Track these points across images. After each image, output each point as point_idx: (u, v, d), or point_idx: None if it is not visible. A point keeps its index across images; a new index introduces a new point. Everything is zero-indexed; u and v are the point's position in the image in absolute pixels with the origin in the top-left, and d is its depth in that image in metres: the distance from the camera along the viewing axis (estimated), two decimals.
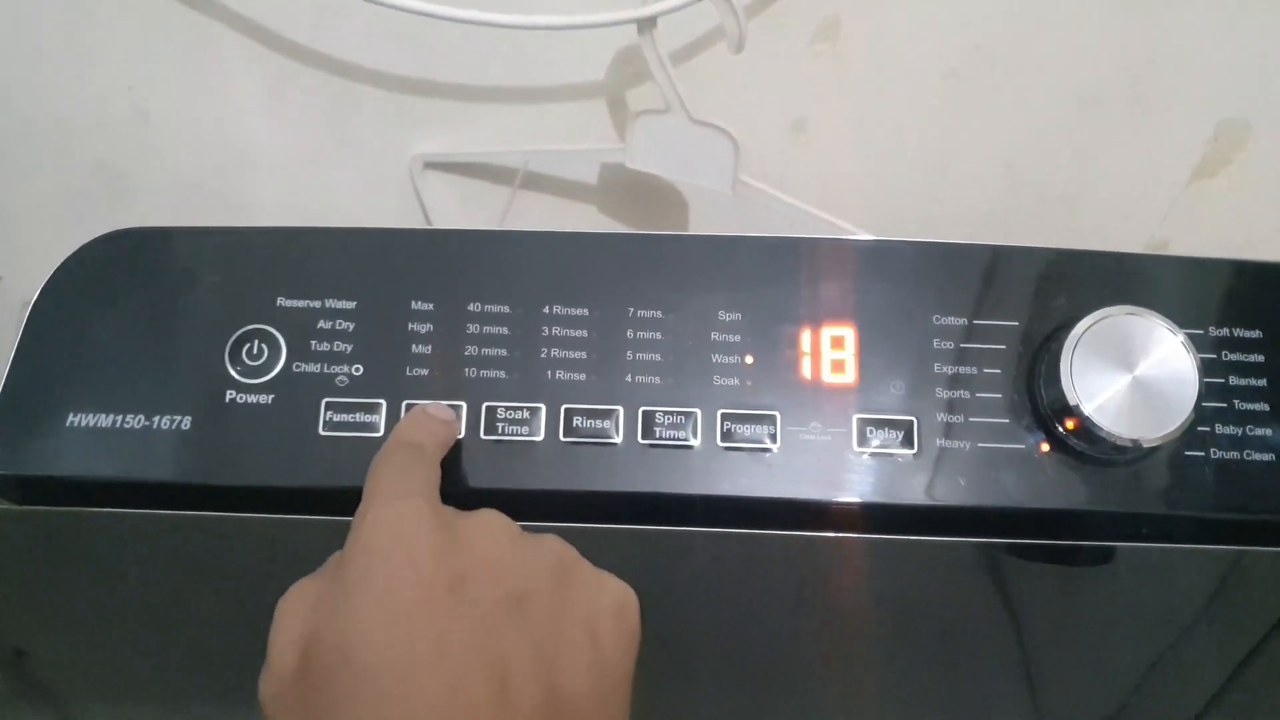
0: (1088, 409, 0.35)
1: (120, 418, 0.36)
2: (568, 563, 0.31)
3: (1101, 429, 0.35)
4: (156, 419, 0.36)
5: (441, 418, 0.35)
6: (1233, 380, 0.38)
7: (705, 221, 0.60)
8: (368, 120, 0.58)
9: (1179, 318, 0.37)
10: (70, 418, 0.36)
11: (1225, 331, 0.38)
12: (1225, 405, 0.38)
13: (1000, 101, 0.57)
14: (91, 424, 0.36)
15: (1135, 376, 0.35)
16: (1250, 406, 0.38)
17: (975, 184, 0.60)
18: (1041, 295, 0.38)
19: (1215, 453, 0.37)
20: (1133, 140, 0.58)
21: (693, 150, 0.53)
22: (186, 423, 0.36)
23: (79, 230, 0.42)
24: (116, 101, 0.58)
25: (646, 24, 0.49)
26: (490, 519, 0.31)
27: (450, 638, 0.28)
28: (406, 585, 0.28)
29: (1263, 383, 0.38)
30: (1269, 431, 0.37)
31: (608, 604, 0.31)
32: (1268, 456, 0.37)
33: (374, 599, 0.28)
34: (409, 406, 0.37)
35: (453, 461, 0.36)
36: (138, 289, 0.38)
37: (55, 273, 0.38)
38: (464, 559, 0.29)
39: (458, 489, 0.36)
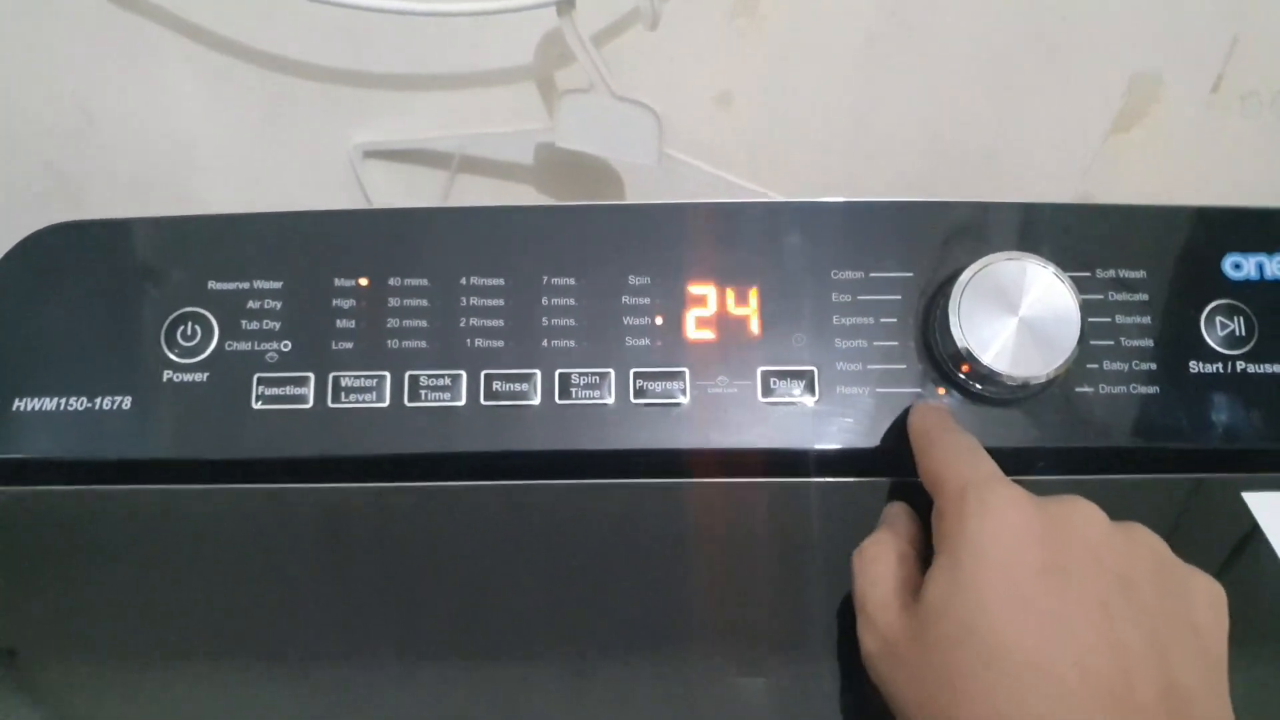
0: (978, 353, 0.37)
1: (64, 400, 0.38)
2: (1159, 553, 0.32)
3: (992, 371, 0.37)
4: (99, 400, 0.38)
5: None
6: (1119, 319, 0.40)
7: (637, 194, 0.62)
8: (306, 113, 0.60)
9: (1066, 262, 0.39)
10: (16, 403, 0.38)
11: (1112, 273, 0.40)
12: (1112, 342, 0.40)
13: (919, 65, 0.58)
14: (37, 407, 0.38)
15: (1021, 318, 0.37)
16: (1136, 343, 0.40)
17: (901, 146, 0.62)
18: (934, 247, 0.40)
19: (1104, 388, 0.39)
20: (1050, 97, 0.59)
21: (617, 126, 0.55)
22: (127, 402, 0.38)
23: (30, 230, 0.44)
24: (61, 105, 0.60)
25: (565, 5, 0.51)
26: (1083, 506, 0.32)
27: (1072, 621, 0.29)
28: (1021, 568, 0.29)
29: (1147, 320, 0.40)
30: (1153, 365, 0.39)
31: (1202, 595, 0.31)
32: (1152, 389, 0.39)
33: (992, 581, 0.29)
34: (335, 379, 0.39)
35: (376, 431, 0.38)
36: (77, 278, 0.40)
37: None
38: (1068, 545, 0.30)
39: (385, 455, 0.38)
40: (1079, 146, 0.62)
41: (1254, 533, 0.37)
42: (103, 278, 0.40)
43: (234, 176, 0.62)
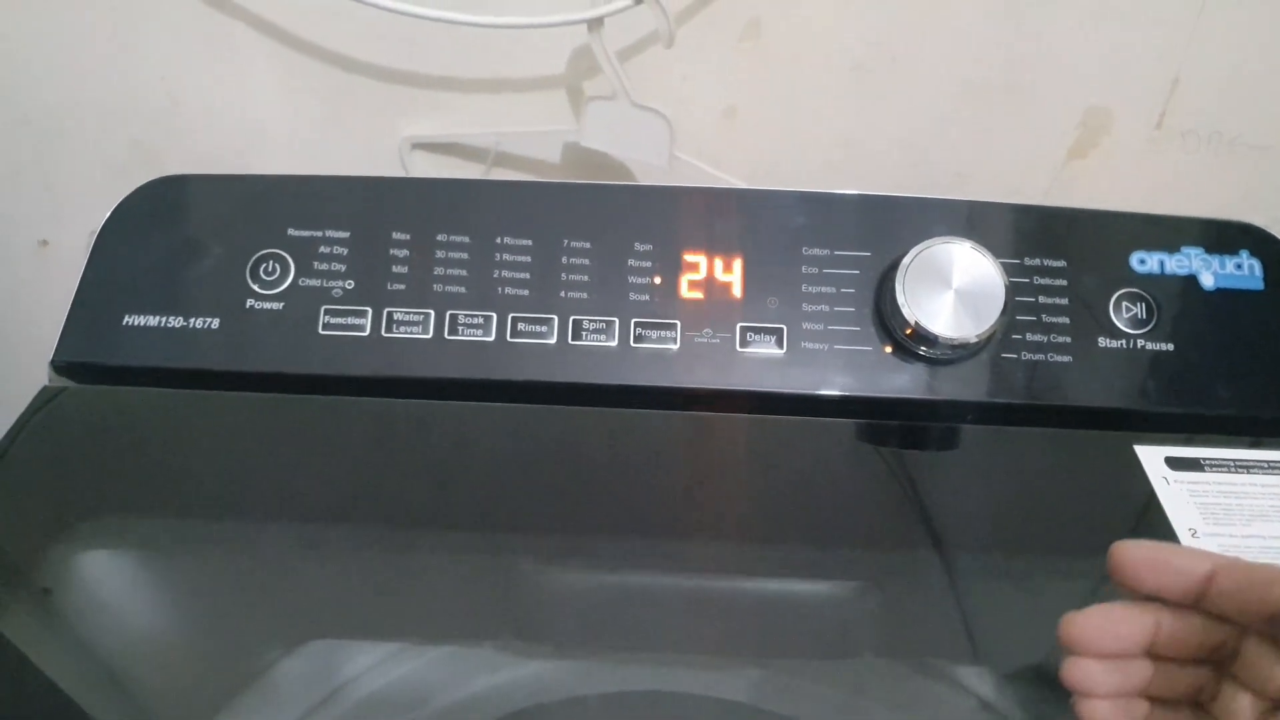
0: (919, 318, 0.45)
1: (164, 319, 0.46)
2: None
3: (931, 333, 0.45)
4: (192, 320, 0.46)
5: None
6: (1041, 299, 0.48)
7: None
8: (363, 106, 0.68)
9: (998, 250, 0.47)
10: (126, 319, 0.46)
11: (1037, 261, 0.48)
12: (1035, 318, 0.47)
13: (900, 92, 0.66)
14: (142, 323, 0.46)
15: (956, 290, 0.45)
16: (1054, 320, 0.47)
17: (882, 162, 0.70)
18: (889, 233, 0.48)
19: (1025, 355, 0.47)
20: (1014, 125, 0.67)
21: (634, 130, 0.63)
22: (215, 323, 0.46)
23: (116, 196, 0.52)
24: (151, 90, 0.68)
25: (595, 24, 0.59)
26: None
27: None
28: None
29: (1065, 301, 0.48)
30: (1068, 339, 0.47)
31: None
32: (1065, 358, 0.47)
33: None
34: (389, 313, 0.47)
35: (421, 357, 0.46)
36: (179, 222, 0.48)
37: (114, 210, 0.48)
38: None
39: (427, 378, 0.46)
40: (1040, 169, 0.70)
41: (1141, 477, 0.45)
42: (200, 222, 0.49)
43: (297, 158, 0.70)
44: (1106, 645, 0.32)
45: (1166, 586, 0.32)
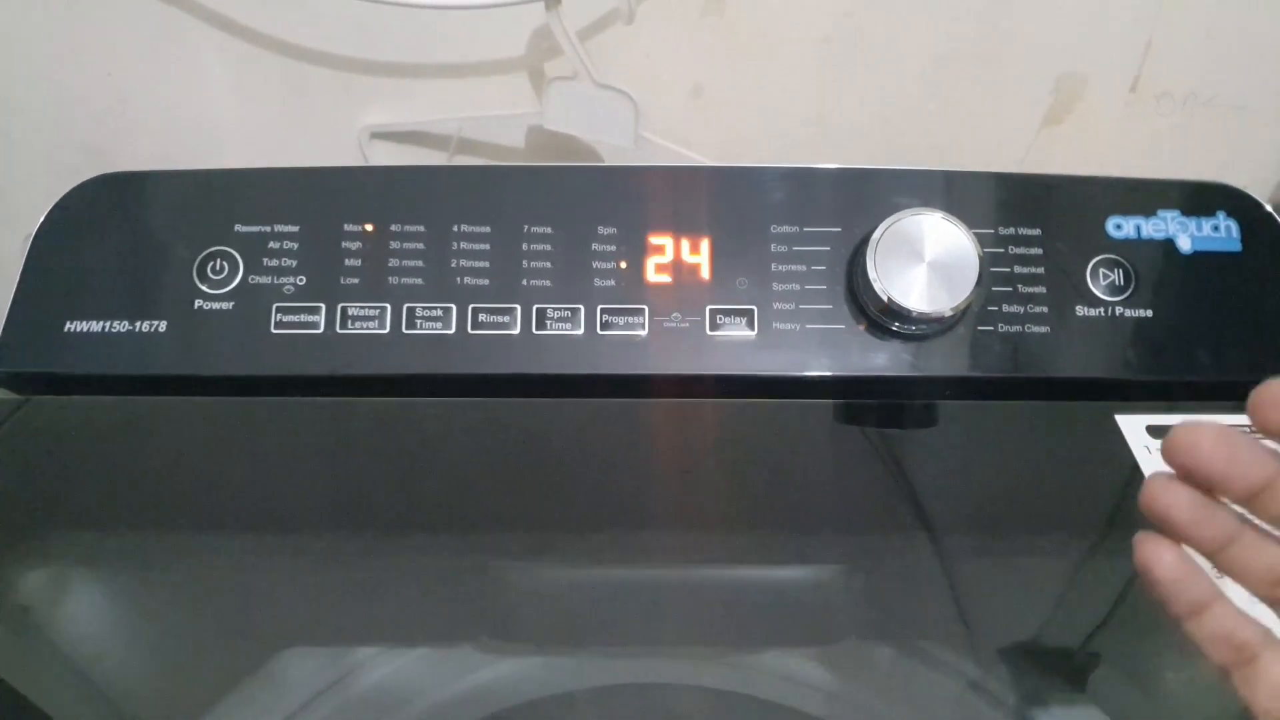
0: (893, 293, 0.44)
1: (108, 324, 0.45)
2: None
3: (904, 308, 0.44)
4: (138, 324, 0.45)
5: None
6: (1016, 269, 0.46)
7: None
8: (319, 97, 0.66)
9: (971, 220, 0.45)
10: (67, 325, 0.45)
11: (1011, 230, 0.47)
12: (1010, 289, 0.46)
13: (870, 63, 0.65)
14: (85, 329, 0.45)
15: (928, 262, 0.44)
16: (1030, 290, 0.46)
17: (855, 137, 0.68)
18: (859, 206, 0.47)
19: (1002, 327, 0.46)
20: (988, 94, 0.66)
21: (599, 111, 0.62)
22: (163, 326, 0.45)
23: None
24: (98, 87, 0.66)
25: (553, 1, 0.58)
26: None
27: None
28: None
29: (1040, 270, 0.46)
30: (1044, 309, 0.46)
31: None
32: (1043, 329, 0.46)
33: None
34: (343, 309, 0.45)
35: (378, 353, 0.45)
36: (120, 221, 0.46)
37: (51, 210, 0.46)
38: None
39: (385, 375, 0.45)
40: (1016, 137, 0.68)
41: (1122, 447, 0.44)
42: (143, 221, 0.47)
43: (253, 154, 0.68)
44: (1216, 464, 0.27)
45: None
